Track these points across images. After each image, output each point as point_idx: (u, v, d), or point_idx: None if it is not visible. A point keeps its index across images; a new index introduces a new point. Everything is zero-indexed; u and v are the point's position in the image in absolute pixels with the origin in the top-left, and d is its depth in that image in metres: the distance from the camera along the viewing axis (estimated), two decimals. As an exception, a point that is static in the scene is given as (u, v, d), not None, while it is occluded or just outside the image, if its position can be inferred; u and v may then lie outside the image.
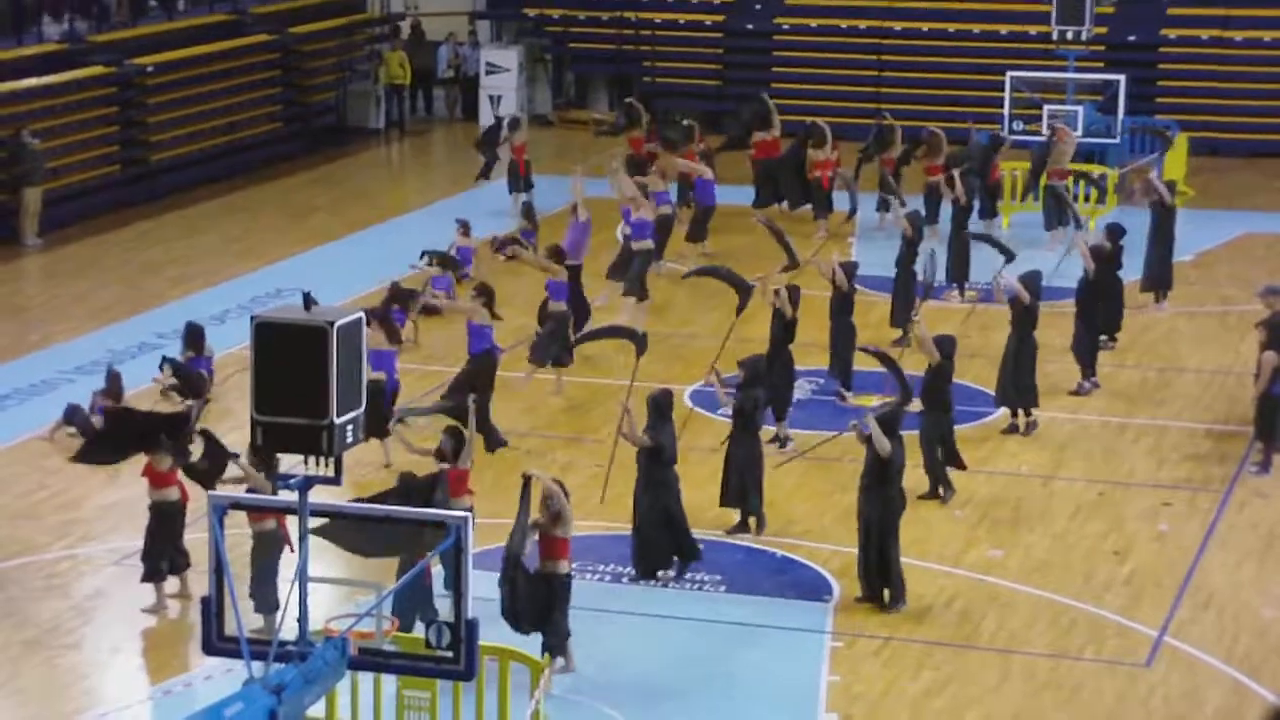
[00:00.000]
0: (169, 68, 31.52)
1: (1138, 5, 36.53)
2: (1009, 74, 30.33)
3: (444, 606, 10.10)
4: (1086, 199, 28.54)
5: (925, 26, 36.55)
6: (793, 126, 29.56)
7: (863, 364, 21.24)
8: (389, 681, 13.17)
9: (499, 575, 14.39)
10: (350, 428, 9.63)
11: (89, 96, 30.16)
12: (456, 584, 10.08)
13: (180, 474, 15.90)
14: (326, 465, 9.67)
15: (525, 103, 37.48)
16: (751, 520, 17.53)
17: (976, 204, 27.11)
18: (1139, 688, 14.81)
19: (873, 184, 28.58)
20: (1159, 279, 24.63)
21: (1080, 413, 20.93)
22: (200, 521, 16.02)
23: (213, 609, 10.21)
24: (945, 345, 18.42)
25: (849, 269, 21.43)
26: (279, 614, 14.39)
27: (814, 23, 37.09)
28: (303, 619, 9.84)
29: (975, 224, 26.52)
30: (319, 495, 10.01)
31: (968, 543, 17.48)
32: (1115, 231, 22.59)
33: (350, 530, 11.74)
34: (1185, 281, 25.78)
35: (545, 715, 13.35)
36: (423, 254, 24.57)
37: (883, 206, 28.25)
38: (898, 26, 36.63)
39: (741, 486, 17.43)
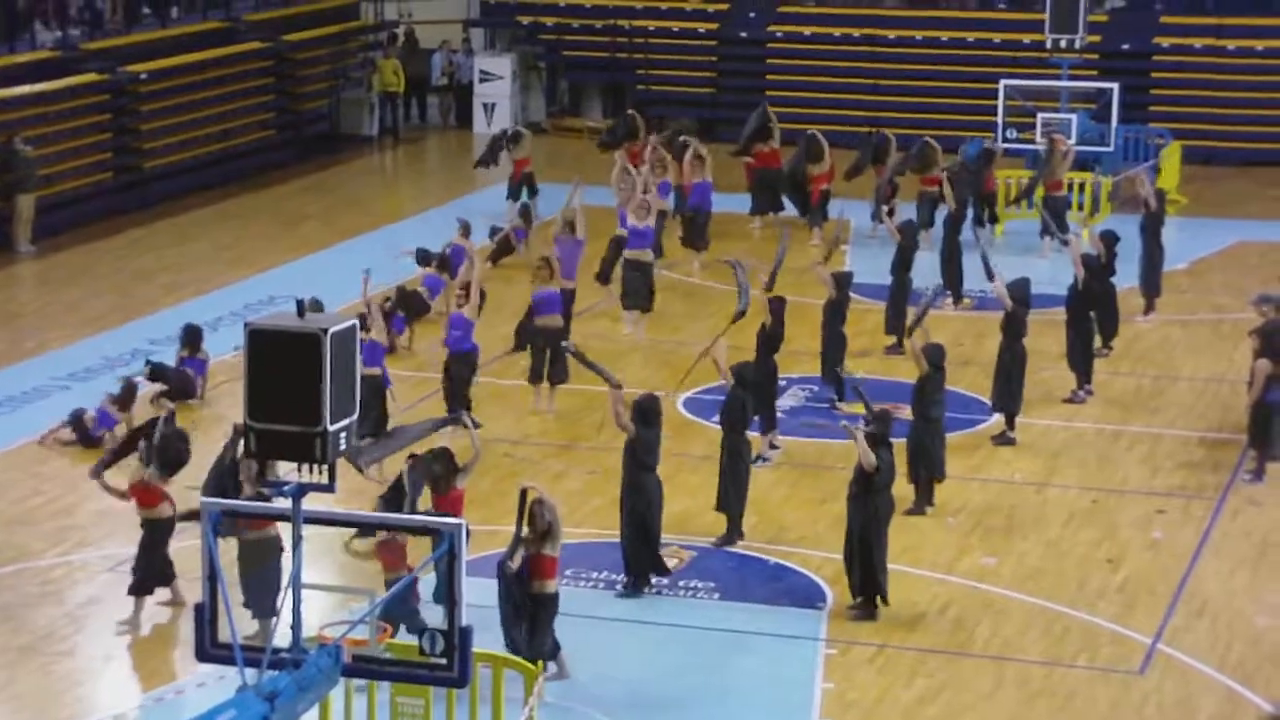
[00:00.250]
0: (162, 75, 31.52)
1: (1131, 14, 36.63)
2: (1002, 82, 30.35)
3: (437, 614, 10.07)
4: (1080, 207, 28.57)
5: (919, 35, 36.60)
6: (786, 135, 29.58)
7: (858, 371, 21.28)
8: (382, 689, 13.17)
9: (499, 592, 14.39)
10: (344, 434, 9.62)
11: (82, 104, 30.16)
12: (450, 591, 10.07)
13: (168, 489, 15.88)
14: (320, 472, 9.67)
15: (519, 110, 37.51)
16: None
17: (970, 212, 27.18)
18: (1133, 695, 14.82)
19: (863, 192, 28.62)
20: (1147, 286, 24.63)
21: (1074, 420, 20.95)
22: (188, 530, 16.07)
23: (206, 616, 10.19)
24: (934, 355, 18.42)
25: (843, 278, 21.44)
26: (274, 621, 14.39)
27: (807, 31, 37.13)
28: (296, 626, 9.83)
29: (967, 234, 26.51)
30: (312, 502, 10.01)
31: (961, 550, 17.49)
32: (1109, 239, 22.62)
33: None
34: (1178, 290, 25.84)
35: (539, 723, 13.35)
36: (416, 251, 24.59)
37: (877, 215, 28.28)
38: (891, 35, 36.68)
39: (722, 491, 17.41)
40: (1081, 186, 28.56)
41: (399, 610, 13.83)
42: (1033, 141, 29.37)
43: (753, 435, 18.70)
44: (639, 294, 23.38)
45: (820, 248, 22.38)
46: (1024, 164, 30.52)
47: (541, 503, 14.51)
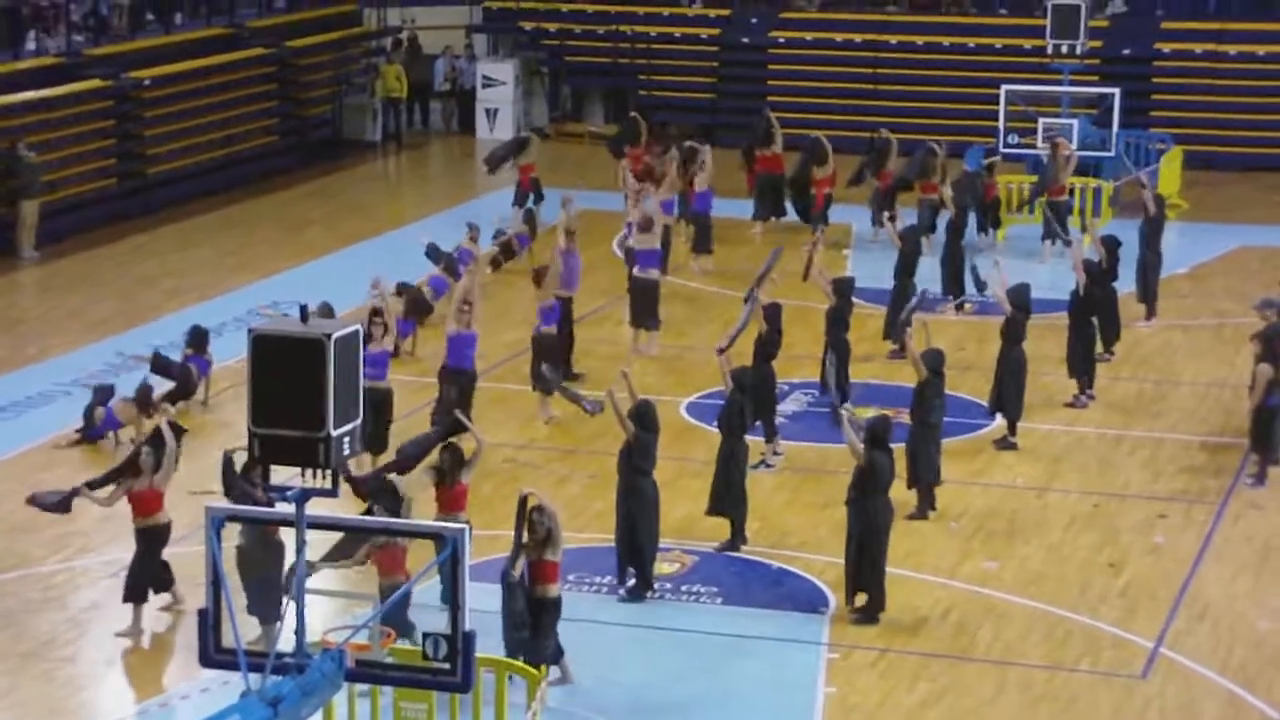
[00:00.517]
0: (166, 81, 31.56)
1: (1132, 19, 36.66)
2: (1004, 88, 30.40)
3: (441, 619, 10.10)
4: (1081, 213, 28.60)
5: (920, 40, 36.64)
6: (788, 140, 29.60)
7: (858, 376, 21.33)
8: (385, 694, 13.19)
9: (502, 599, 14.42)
10: (347, 440, 9.66)
11: (86, 110, 30.20)
12: (453, 596, 10.10)
13: (165, 497, 15.92)
14: (323, 478, 9.69)
15: (521, 116, 37.53)
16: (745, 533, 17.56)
17: (972, 218, 27.24)
18: (1135, 699, 14.84)
19: (865, 196, 28.65)
20: (1143, 292, 24.66)
21: (1075, 425, 20.97)
22: (190, 536, 16.11)
23: (210, 621, 10.22)
24: (933, 360, 18.44)
25: (844, 284, 21.45)
26: (278, 625, 14.42)
27: (809, 36, 37.17)
28: (300, 631, 9.86)
29: (970, 238, 26.55)
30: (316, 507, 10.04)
31: (963, 555, 17.51)
32: (1111, 244, 22.66)
33: None
34: (1179, 294, 25.87)
35: (541, 727, 13.38)
36: (428, 246, 24.64)
37: (877, 220, 28.32)
38: (893, 40, 36.72)
39: (721, 496, 17.43)
40: (1083, 191, 28.57)
41: (396, 617, 13.86)
42: (1034, 146, 29.40)
43: (754, 440, 18.76)
44: (646, 313, 23.25)
45: (812, 252, 22.32)
46: (1025, 169, 30.56)
47: (541, 510, 14.54)
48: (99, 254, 28.52)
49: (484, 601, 13.85)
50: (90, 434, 20.06)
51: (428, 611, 14.48)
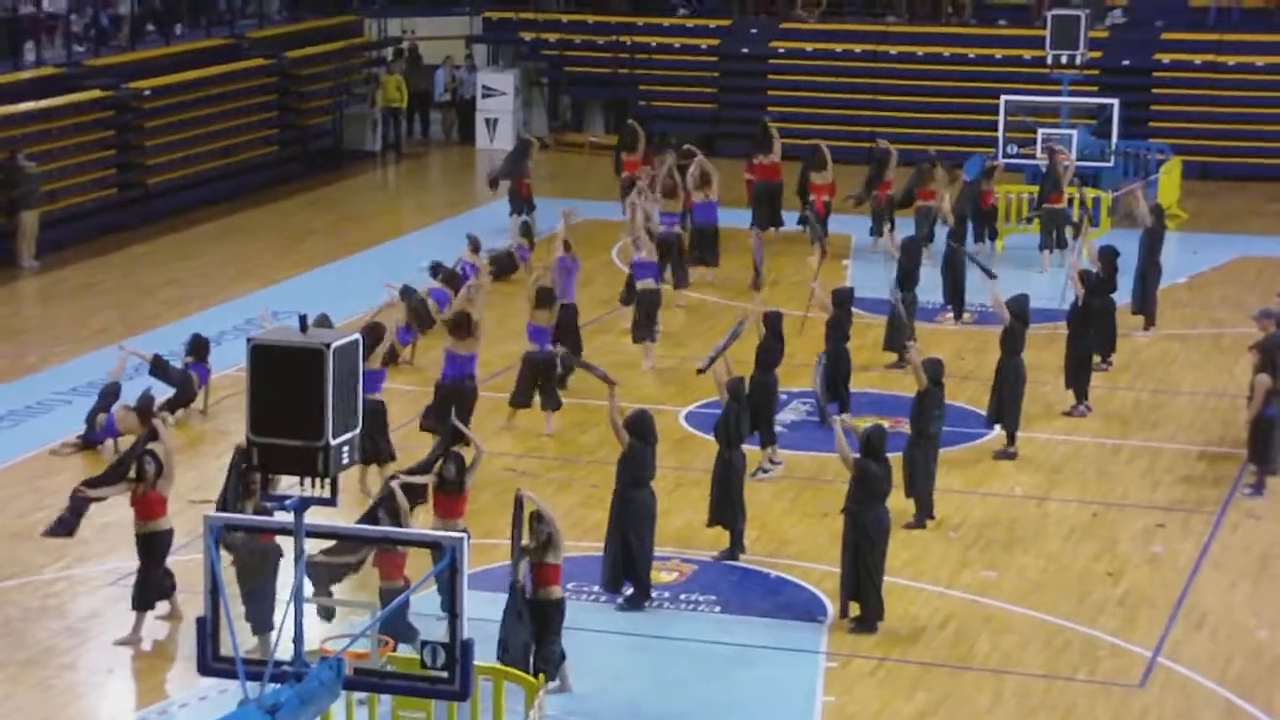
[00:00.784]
0: (166, 92, 31.61)
1: (1132, 30, 36.71)
2: (1003, 98, 30.44)
3: (439, 627, 10.13)
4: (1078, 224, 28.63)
5: (920, 51, 36.69)
6: (787, 150, 29.63)
7: (858, 386, 21.35)
8: (384, 702, 13.21)
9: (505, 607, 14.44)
10: (346, 449, 9.68)
11: (86, 120, 30.25)
12: (452, 604, 10.11)
13: (169, 502, 15.94)
14: (322, 486, 9.72)
15: (521, 126, 37.57)
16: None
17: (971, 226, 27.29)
18: (1133, 709, 14.85)
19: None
20: (1141, 304, 24.68)
21: (1074, 434, 20.99)
22: (189, 545, 16.14)
23: (208, 629, 10.23)
24: (933, 369, 18.46)
25: (844, 295, 21.47)
26: (274, 634, 14.44)
27: (809, 47, 37.22)
28: (298, 639, 9.88)
29: (969, 247, 26.59)
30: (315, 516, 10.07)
31: (961, 564, 17.53)
32: (1109, 255, 22.70)
33: None
34: (1178, 304, 25.90)
35: (540, 736, 13.39)
36: (431, 265, 24.66)
37: (877, 230, 28.35)
38: (893, 51, 36.77)
39: (719, 506, 17.45)
40: (1081, 202, 28.61)
41: (394, 623, 13.88)
42: (1033, 157, 29.44)
43: (752, 449, 18.79)
44: (645, 326, 23.13)
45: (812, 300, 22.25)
46: (1024, 179, 30.60)
47: (540, 516, 14.58)
48: (99, 263, 28.55)
49: (482, 610, 13.88)
50: (90, 439, 20.08)
51: (426, 620, 14.52)
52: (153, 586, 15.84)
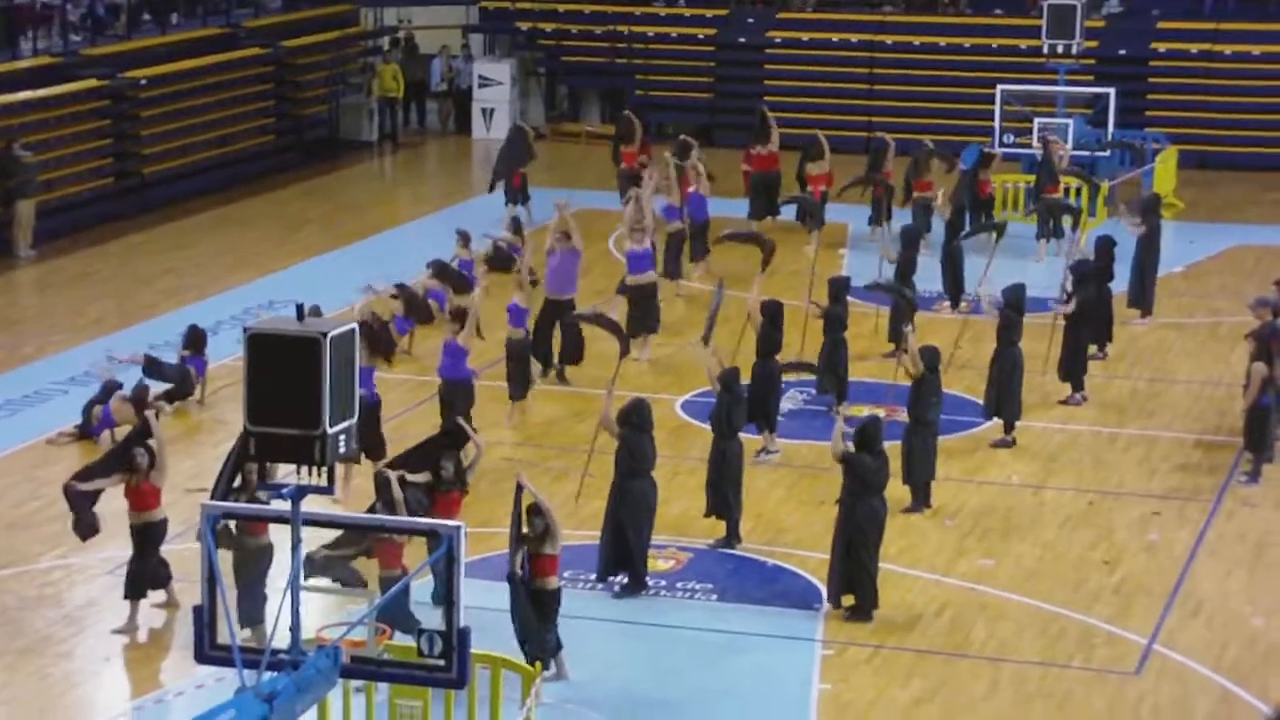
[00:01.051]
0: (162, 81, 31.60)
1: (1128, 19, 36.72)
2: (1000, 87, 30.44)
3: (436, 615, 10.15)
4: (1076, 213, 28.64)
5: (917, 40, 36.68)
6: (783, 140, 29.61)
7: (855, 375, 21.36)
8: (380, 690, 13.23)
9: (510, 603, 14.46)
10: (342, 437, 9.70)
11: (82, 109, 30.23)
12: (448, 593, 10.14)
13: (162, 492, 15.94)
14: (319, 475, 9.74)
15: (518, 116, 37.55)
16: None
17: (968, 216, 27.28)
18: (1128, 696, 14.88)
19: (859, 196, 28.68)
20: (1140, 296, 24.69)
21: (1070, 423, 21.02)
22: (186, 533, 16.16)
23: (205, 618, 10.26)
24: (929, 358, 18.48)
25: (840, 284, 21.48)
26: (262, 627, 14.46)
27: (806, 36, 37.21)
28: (295, 627, 9.90)
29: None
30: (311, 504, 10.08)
31: (958, 552, 17.55)
32: (1105, 245, 22.71)
33: None
34: (1175, 293, 25.92)
35: (537, 724, 13.41)
36: (428, 265, 24.62)
37: (874, 220, 28.34)
38: (889, 40, 36.76)
39: (716, 494, 17.47)
40: (1078, 191, 28.62)
41: (394, 612, 13.89)
42: (1030, 146, 29.45)
43: (753, 438, 18.81)
44: (643, 319, 23.07)
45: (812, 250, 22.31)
46: (1020, 168, 30.60)
47: (537, 508, 14.59)
48: (95, 253, 28.55)
49: (479, 598, 13.90)
50: (88, 431, 20.09)
51: (423, 608, 14.54)
52: (145, 576, 15.86)
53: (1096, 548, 17.70)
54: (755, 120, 29.58)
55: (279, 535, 14.96)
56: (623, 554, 16.39)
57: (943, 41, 36.50)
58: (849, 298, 21.44)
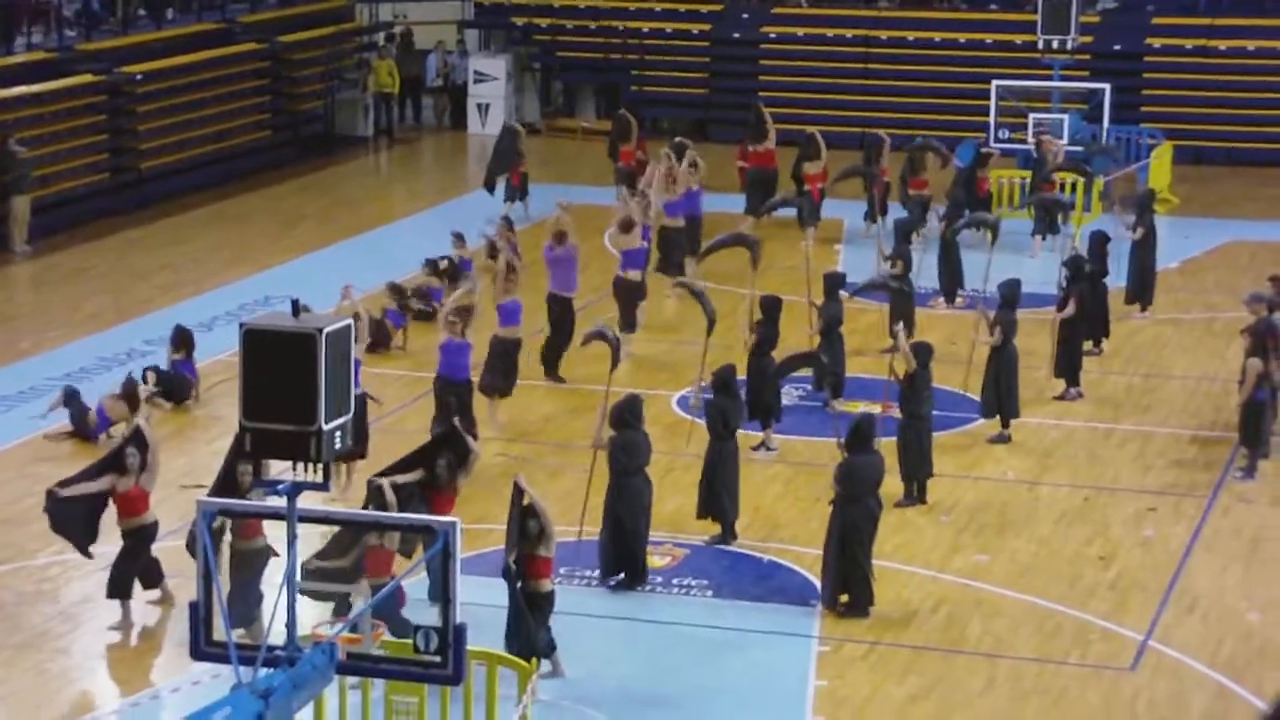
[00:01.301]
0: (158, 76, 31.57)
1: (1123, 14, 36.73)
2: (994, 83, 30.45)
3: (431, 612, 10.16)
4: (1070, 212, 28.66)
5: (911, 36, 36.68)
6: (778, 136, 29.60)
7: (851, 371, 21.36)
8: (376, 686, 13.23)
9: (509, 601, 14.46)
10: (338, 434, 9.71)
11: (78, 105, 30.22)
12: (444, 589, 10.15)
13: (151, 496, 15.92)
14: (315, 471, 9.74)
15: (513, 111, 37.55)
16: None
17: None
18: (1124, 691, 14.89)
19: (855, 192, 28.67)
20: (1139, 292, 24.70)
21: (1066, 419, 21.03)
22: (180, 530, 16.14)
23: (201, 615, 10.27)
24: (922, 353, 18.49)
25: (835, 280, 21.48)
26: (257, 625, 14.46)
27: (800, 32, 37.20)
28: (291, 624, 9.91)
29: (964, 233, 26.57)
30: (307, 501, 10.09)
31: (954, 548, 17.56)
32: (1099, 240, 22.72)
33: None
34: (1171, 289, 25.93)
35: (532, 720, 13.42)
36: (425, 262, 24.64)
37: (870, 216, 28.33)
38: (884, 36, 36.75)
39: (711, 495, 17.47)
40: (1073, 186, 28.64)
41: (386, 614, 13.88)
42: (1025, 142, 29.47)
43: (753, 434, 18.81)
44: (626, 315, 22.86)
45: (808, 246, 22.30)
46: (1015, 164, 30.61)
47: (532, 510, 14.57)
48: (91, 248, 28.54)
49: (475, 595, 13.90)
50: (88, 435, 20.01)
51: (418, 606, 14.56)
52: (128, 576, 15.80)
53: (1092, 543, 17.71)
54: (751, 117, 29.59)
55: (275, 536, 14.96)
56: (623, 551, 16.39)
57: (937, 37, 36.51)
58: (843, 293, 21.47)
